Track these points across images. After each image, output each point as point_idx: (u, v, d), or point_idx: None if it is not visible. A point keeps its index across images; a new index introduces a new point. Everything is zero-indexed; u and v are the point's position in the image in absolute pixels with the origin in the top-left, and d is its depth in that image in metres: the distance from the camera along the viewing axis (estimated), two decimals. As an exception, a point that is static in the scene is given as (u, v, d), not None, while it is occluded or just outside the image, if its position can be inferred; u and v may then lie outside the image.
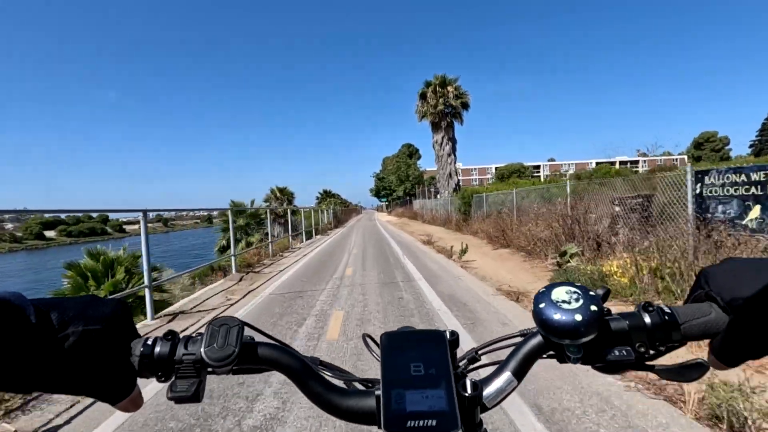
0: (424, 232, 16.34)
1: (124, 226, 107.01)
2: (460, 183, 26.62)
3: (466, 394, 0.36)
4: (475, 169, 73.08)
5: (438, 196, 26.30)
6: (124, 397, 0.39)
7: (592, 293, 0.40)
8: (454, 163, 25.73)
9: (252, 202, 21.82)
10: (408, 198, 39.74)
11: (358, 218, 45.59)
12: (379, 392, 0.37)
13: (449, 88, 24.96)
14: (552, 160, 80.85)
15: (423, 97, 25.92)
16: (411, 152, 69.50)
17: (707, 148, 73.02)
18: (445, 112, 25.46)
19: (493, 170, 74.74)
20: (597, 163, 77.97)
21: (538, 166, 74.23)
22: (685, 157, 75.42)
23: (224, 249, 20.98)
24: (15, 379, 0.33)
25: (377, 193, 67.08)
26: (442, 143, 25.61)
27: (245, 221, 21.07)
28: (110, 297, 0.47)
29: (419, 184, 52.98)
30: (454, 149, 25.82)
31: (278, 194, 35.29)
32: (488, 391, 0.39)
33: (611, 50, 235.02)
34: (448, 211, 18.95)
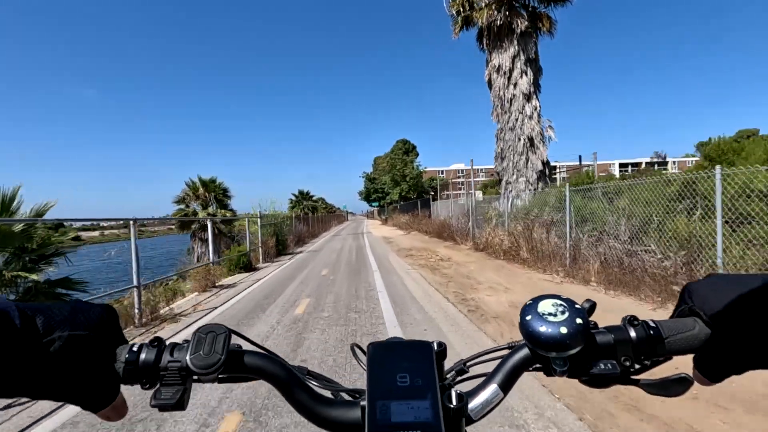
0: None
1: (80, 234, 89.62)
2: (551, 170, 11.88)
3: (452, 406, 0.35)
4: (481, 170, 59.11)
5: (504, 190, 11.50)
6: (107, 404, 0.37)
7: (577, 306, 0.39)
8: (538, 115, 11.14)
9: (5, 200, 6.70)
10: (417, 201, 24.90)
11: (339, 229, 30.51)
12: (364, 403, 0.36)
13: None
14: (557, 161, 67.58)
15: (468, -30, 11.34)
16: (407, 149, 55.19)
17: (747, 148, 60.79)
18: (515, 5, 11.04)
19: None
20: (621, 165, 65.83)
21: (554, 168, 60.62)
22: (718, 158, 63.32)
23: None
24: None
25: (367, 196, 52.52)
26: (510, 72, 11.04)
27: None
28: (97, 302, 0.41)
29: (417, 191, 38.95)
30: (536, 86, 11.30)
31: (200, 189, 20.32)
32: (474, 403, 0.37)
33: (607, 49, 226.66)
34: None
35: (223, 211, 20.39)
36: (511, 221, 8.47)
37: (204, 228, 19.21)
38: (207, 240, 19.59)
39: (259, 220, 10.43)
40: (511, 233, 7.86)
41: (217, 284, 7.04)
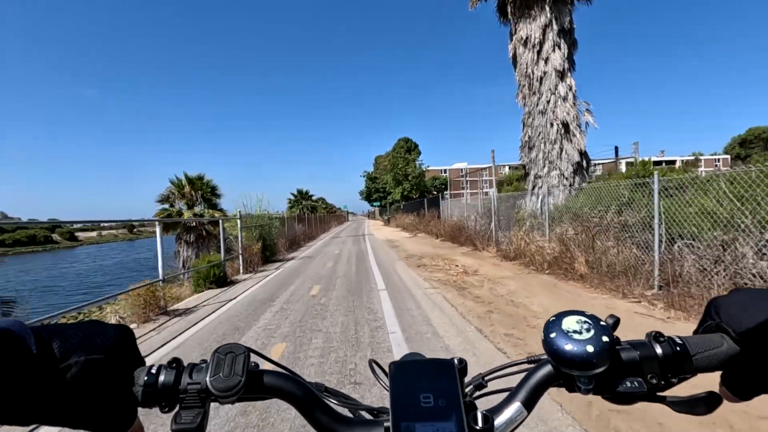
0: None
1: (77, 234, 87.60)
2: (589, 162, 9.96)
3: (477, 427, 0.34)
4: (486, 169, 57.16)
5: (532, 186, 9.60)
6: (124, 430, 0.35)
7: (602, 323, 0.38)
8: (574, 96, 9.28)
9: None
10: (423, 201, 22.98)
11: (339, 230, 28.68)
12: (388, 424, 0.35)
13: None
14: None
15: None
16: (409, 147, 53.49)
17: (758, 146, 58.65)
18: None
19: (507, 170, 59.40)
20: (628, 164, 63.69)
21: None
22: (728, 157, 61.32)
23: None
24: (13, 412, 0.30)
25: (368, 196, 50.71)
26: (541, 45, 9.20)
27: None
28: (114, 323, 0.39)
29: (419, 190, 37.11)
30: (570, 62, 9.45)
31: (186, 188, 18.49)
32: (498, 421, 0.37)
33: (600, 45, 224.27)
34: None
35: (211, 211, 18.58)
36: (554, 224, 6.61)
37: (190, 230, 17.45)
38: (192, 243, 17.81)
39: (239, 222, 8.57)
40: (559, 239, 6.00)
41: (169, 309, 5.20)
